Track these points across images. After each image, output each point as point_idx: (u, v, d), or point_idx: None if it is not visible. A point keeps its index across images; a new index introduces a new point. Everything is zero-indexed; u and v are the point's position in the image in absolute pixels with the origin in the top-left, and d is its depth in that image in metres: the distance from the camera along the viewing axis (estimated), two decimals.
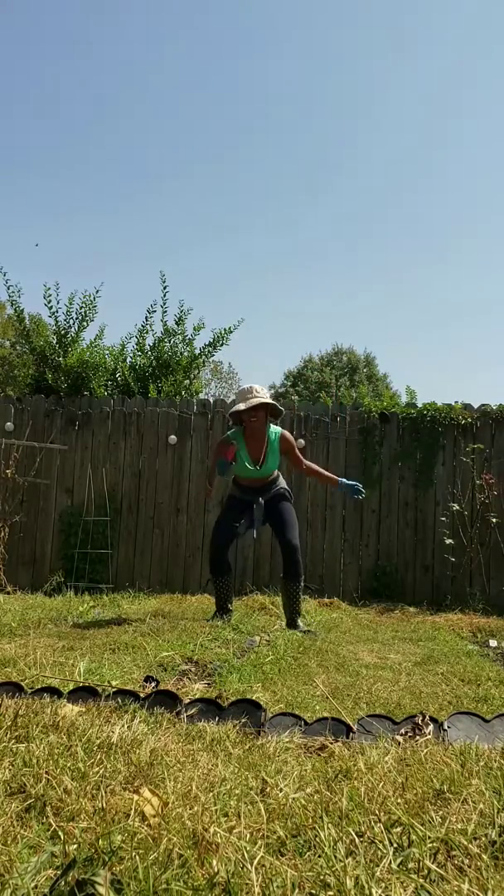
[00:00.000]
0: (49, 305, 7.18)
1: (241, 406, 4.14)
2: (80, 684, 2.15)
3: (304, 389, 25.18)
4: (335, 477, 4.42)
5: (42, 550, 6.40)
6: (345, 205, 45.42)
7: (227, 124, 46.10)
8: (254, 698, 2.06)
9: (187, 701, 2.00)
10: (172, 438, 6.33)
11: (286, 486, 4.44)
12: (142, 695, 2.02)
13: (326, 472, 4.47)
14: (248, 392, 4.24)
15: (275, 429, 4.32)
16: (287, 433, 4.40)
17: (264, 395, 4.24)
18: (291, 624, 4.23)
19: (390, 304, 44.07)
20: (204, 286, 42.73)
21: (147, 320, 7.46)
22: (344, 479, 4.37)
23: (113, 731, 1.63)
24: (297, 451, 4.42)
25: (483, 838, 1.16)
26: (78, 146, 41.57)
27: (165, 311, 7.44)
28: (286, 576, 4.25)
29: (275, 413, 4.32)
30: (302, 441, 6.25)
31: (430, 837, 1.14)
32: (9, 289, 7.29)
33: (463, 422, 6.16)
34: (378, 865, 1.04)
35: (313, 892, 0.98)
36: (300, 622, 4.25)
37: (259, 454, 4.26)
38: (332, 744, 1.72)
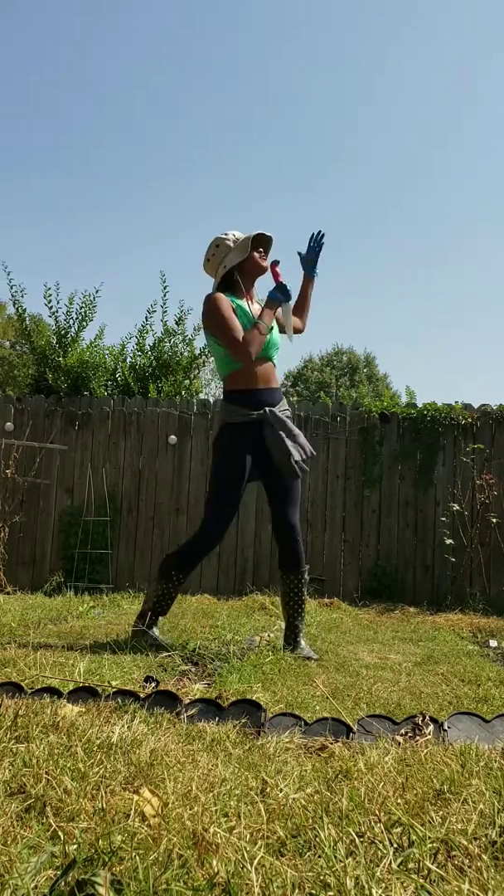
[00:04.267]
0: (49, 305, 7.18)
1: (249, 238, 3.17)
2: (80, 684, 2.15)
3: (305, 389, 25.18)
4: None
5: (42, 550, 6.40)
6: (345, 204, 45.42)
7: (226, 123, 46.11)
8: (254, 698, 2.06)
9: (187, 701, 2.00)
10: (172, 438, 6.33)
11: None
12: (142, 695, 2.02)
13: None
14: (239, 235, 3.26)
15: None
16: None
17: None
18: (293, 635, 3.26)
19: (390, 304, 44.10)
20: (204, 286, 42.70)
21: (147, 320, 7.47)
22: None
23: (113, 732, 1.63)
24: None
25: (483, 838, 1.16)
26: (77, 145, 41.56)
27: (165, 311, 7.45)
28: (290, 565, 3.27)
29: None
30: None
31: (430, 838, 1.14)
32: (12, 288, 7.28)
33: (463, 422, 6.16)
34: (378, 865, 1.04)
35: (313, 892, 0.98)
36: (302, 638, 3.29)
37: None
38: (332, 744, 1.72)
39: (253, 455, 3.18)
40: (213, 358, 3.34)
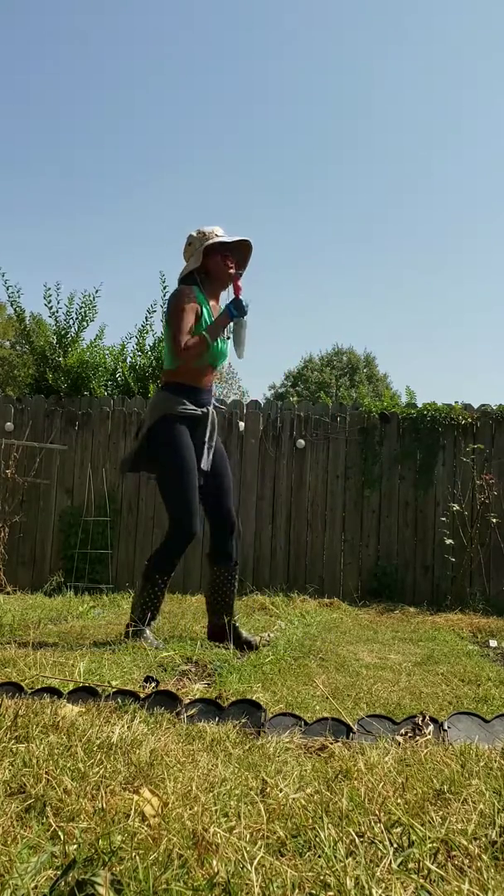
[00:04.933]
0: (49, 305, 7.18)
1: (223, 238, 3.16)
2: (80, 684, 2.15)
3: (304, 389, 25.17)
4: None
5: (42, 550, 6.40)
6: (345, 205, 45.44)
7: (226, 123, 46.12)
8: (254, 698, 2.06)
9: (187, 701, 2.00)
10: None
11: None
12: (142, 695, 2.01)
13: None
14: (212, 234, 3.18)
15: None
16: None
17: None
18: (225, 628, 3.27)
19: (390, 304, 44.14)
20: None
21: (147, 320, 7.47)
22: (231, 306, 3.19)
23: (113, 732, 1.63)
24: None
25: (483, 838, 1.16)
26: (77, 145, 41.58)
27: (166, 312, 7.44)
28: (222, 560, 3.32)
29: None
30: (302, 441, 6.25)
31: (430, 838, 1.14)
32: (8, 289, 7.29)
33: (463, 422, 6.16)
34: (378, 865, 1.04)
35: (313, 892, 0.98)
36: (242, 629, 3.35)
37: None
38: (332, 744, 1.72)
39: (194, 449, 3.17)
40: (164, 345, 3.34)
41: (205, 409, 3.21)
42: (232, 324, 3.14)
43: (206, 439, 3.18)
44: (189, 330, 3.10)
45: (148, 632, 3.18)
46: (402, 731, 1.84)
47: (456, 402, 6.27)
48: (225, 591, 3.33)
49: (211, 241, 3.17)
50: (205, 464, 3.15)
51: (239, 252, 3.29)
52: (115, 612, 4.70)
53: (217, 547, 3.34)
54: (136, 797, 1.25)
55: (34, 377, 7.38)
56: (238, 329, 3.13)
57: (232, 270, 3.21)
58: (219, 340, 3.16)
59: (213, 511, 3.33)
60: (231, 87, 46.33)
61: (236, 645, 3.25)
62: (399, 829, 1.18)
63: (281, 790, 1.34)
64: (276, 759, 1.59)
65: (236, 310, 3.08)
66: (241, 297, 3.10)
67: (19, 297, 7.29)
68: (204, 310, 3.18)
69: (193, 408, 3.18)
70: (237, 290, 3.15)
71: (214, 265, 3.21)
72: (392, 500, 6.20)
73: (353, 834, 1.14)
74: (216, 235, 3.20)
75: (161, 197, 43.73)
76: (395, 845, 1.12)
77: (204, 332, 3.12)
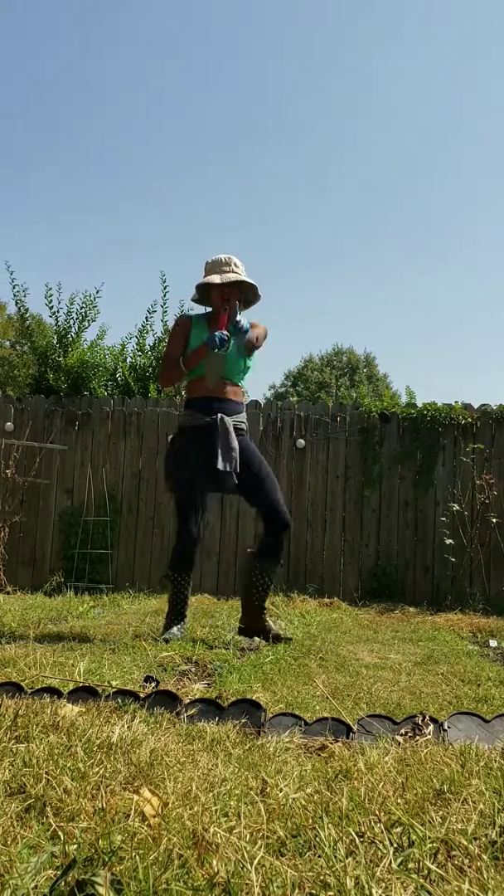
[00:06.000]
0: (50, 305, 7.17)
1: (216, 279, 3.35)
2: (80, 684, 2.15)
3: (304, 389, 25.17)
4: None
5: (42, 550, 6.40)
6: (345, 205, 45.43)
7: (226, 124, 46.11)
8: (254, 698, 2.06)
9: (187, 701, 2.00)
10: None
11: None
12: (142, 695, 2.02)
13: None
14: (223, 263, 3.41)
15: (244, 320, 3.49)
16: (256, 322, 3.50)
17: (243, 273, 3.44)
18: (255, 621, 3.41)
19: (391, 304, 44.13)
20: None
21: (147, 320, 7.47)
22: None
23: (113, 731, 1.63)
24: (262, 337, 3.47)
25: (483, 838, 1.16)
26: (77, 145, 41.57)
27: (166, 312, 7.45)
28: (265, 555, 3.41)
29: (249, 300, 3.55)
30: (302, 441, 6.25)
31: (430, 837, 1.14)
32: (14, 288, 7.26)
33: (463, 422, 6.16)
34: (378, 865, 1.04)
35: (313, 892, 0.98)
36: (271, 621, 3.48)
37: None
38: (332, 744, 1.72)
39: (208, 459, 3.29)
40: None
41: (214, 417, 3.33)
42: (211, 353, 3.34)
43: (218, 440, 3.29)
44: (175, 356, 3.45)
45: (174, 629, 3.36)
46: (402, 731, 1.84)
47: (456, 402, 6.27)
48: (261, 589, 3.44)
49: (201, 281, 3.44)
50: (220, 464, 3.26)
51: (244, 286, 3.47)
52: (115, 612, 4.70)
53: (264, 540, 3.47)
54: (136, 797, 1.25)
55: (34, 377, 7.37)
56: (210, 359, 3.35)
57: (228, 299, 3.38)
58: (215, 354, 3.33)
59: (258, 506, 3.48)
60: (231, 87, 46.32)
61: (267, 639, 3.41)
62: (399, 829, 1.18)
63: (281, 790, 1.34)
64: (276, 759, 1.59)
65: (209, 343, 3.31)
66: (216, 333, 3.28)
67: (25, 296, 7.28)
68: (192, 336, 3.43)
69: (200, 416, 3.37)
70: (221, 324, 3.33)
71: (214, 296, 3.44)
72: (392, 500, 6.20)
73: (353, 834, 1.14)
74: (220, 269, 3.41)
75: (162, 198, 43.72)
76: (395, 845, 1.12)
77: (180, 360, 3.44)
